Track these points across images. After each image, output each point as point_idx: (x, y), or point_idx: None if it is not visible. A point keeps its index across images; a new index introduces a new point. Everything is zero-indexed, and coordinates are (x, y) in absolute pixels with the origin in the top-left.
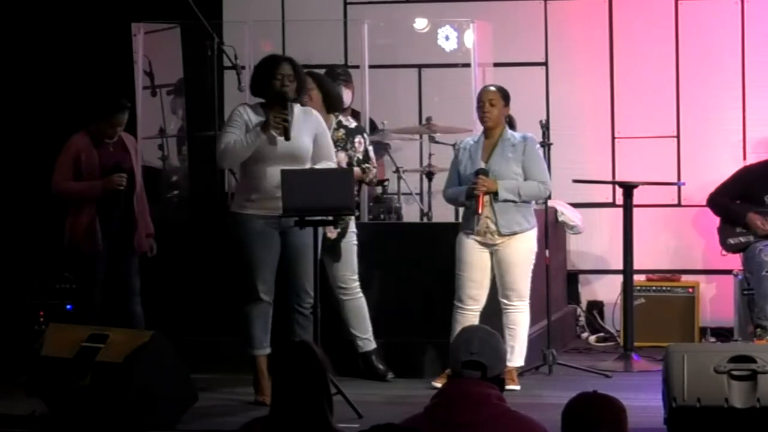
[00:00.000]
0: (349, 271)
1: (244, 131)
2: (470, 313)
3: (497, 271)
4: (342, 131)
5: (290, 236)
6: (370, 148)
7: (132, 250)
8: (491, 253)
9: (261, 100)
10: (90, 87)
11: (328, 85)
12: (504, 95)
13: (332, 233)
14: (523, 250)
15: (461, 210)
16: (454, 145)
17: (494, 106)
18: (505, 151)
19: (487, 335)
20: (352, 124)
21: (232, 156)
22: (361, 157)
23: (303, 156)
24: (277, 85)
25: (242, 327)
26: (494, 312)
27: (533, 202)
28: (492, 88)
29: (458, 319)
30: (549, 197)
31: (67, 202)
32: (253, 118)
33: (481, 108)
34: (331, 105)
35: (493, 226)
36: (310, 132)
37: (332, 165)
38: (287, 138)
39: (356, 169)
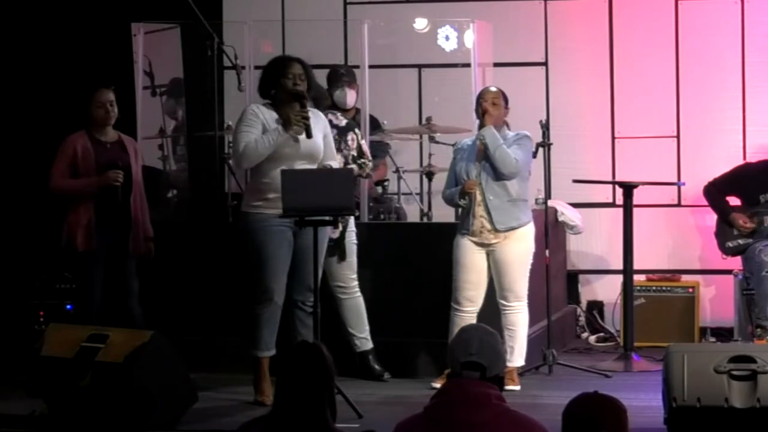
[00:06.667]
0: (349, 270)
1: (261, 130)
2: (467, 315)
3: (494, 272)
4: (334, 131)
5: (300, 235)
6: (363, 143)
7: (128, 251)
8: (488, 254)
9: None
10: (90, 87)
11: (317, 84)
12: (504, 97)
13: (334, 232)
14: (520, 249)
15: (461, 210)
16: (453, 145)
17: (496, 105)
18: None
19: (485, 335)
20: (343, 122)
21: (253, 156)
22: (355, 154)
23: (319, 155)
24: (289, 84)
25: (250, 328)
26: (493, 313)
27: (529, 200)
28: (493, 89)
29: (455, 321)
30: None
31: (66, 201)
32: (269, 117)
33: (482, 106)
34: (319, 104)
35: (488, 225)
36: (320, 132)
37: (336, 164)
38: (309, 135)
39: (353, 167)
